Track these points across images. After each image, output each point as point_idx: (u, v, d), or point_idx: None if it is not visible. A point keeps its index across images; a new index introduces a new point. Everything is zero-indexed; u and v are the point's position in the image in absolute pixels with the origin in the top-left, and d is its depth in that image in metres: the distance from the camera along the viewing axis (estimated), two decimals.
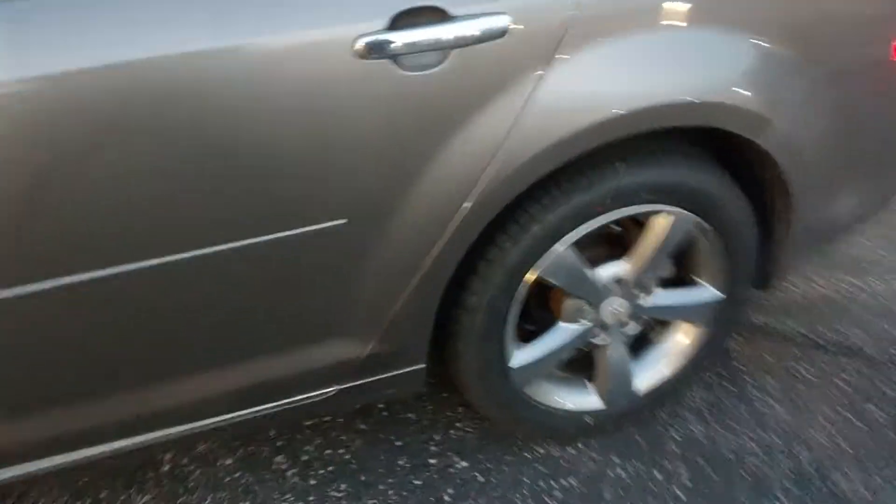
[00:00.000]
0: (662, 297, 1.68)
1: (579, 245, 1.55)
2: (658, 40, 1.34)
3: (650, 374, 1.78)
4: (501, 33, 1.22)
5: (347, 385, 1.50)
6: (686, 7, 1.33)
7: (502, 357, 1.59)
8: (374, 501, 1.68)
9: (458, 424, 1.86)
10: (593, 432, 1.81)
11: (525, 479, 1.73)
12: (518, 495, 1.69)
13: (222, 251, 1.24)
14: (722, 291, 1.69)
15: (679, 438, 1.82)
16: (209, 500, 1.69)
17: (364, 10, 1.16)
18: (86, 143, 1.08)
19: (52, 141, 1.06)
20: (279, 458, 1.78)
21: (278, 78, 1.14)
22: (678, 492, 1.69)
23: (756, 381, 1.97)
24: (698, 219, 1.56)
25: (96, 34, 1.05)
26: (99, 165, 1.09)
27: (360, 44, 1.15)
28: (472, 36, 1.20)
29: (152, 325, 1.28)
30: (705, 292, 1.70)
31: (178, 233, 1.19)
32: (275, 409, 1.48)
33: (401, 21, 1.17)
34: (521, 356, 1.61)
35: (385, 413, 1.89)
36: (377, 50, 1.16)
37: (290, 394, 1.46)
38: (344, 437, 1.83)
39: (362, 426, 1.86)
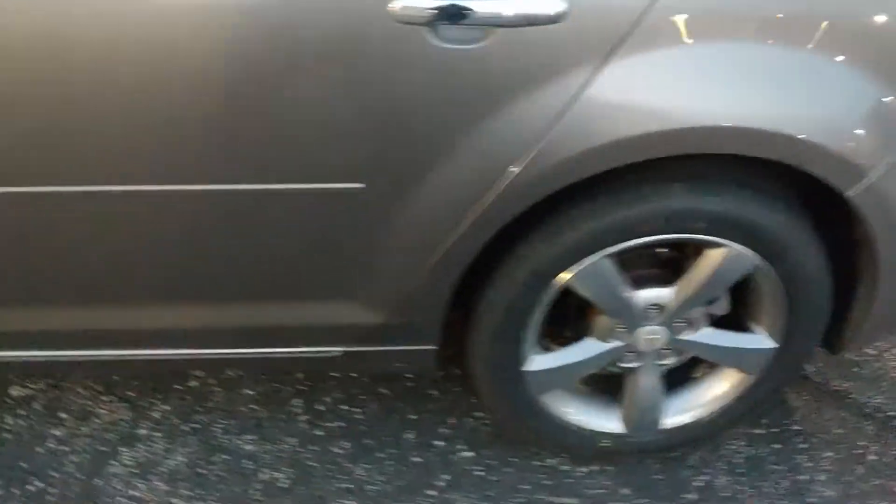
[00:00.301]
0: (709, 336, 1.55)
1: (627, 262, 1.45)
2: (742, 55, 1.21)
3: (684, 412, 1.65)
4: (556, 19, 1.14)
5: (354, 349, 1.50)
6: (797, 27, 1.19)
7: (517, 359, 1.52)
8: (369, 467, 1.68)
9: (477, 414, 1.81)
10: (611, 457, 1.72)
11: (524, 486, 1.67)
12: (511, 500, 1.64)
13: (248, 190, 1.25)
14: (777, 342, 1.53)
15: (701, 486, 1.69)
16: (220, 423, 1.75)
17: None
18: None
19: None
20: (296, 402, 1.81)
21: (314, 27, 1.12)
22: None
23: (811, 450, 1.79)
24: (761, 260, 1.41)
25: None
26: None
27: (398, 5, 1.11)
28: (519, 16, 1.13)
29: (181, 244, 1.33)
30: (758, 340, 1.55)
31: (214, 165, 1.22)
32: (281, 356, 1.50)
33: None
34: (539, 362, 1.54)
35: (410, 384, 1.87)
36: (415, 14, 1.12)
37: (295, 344, 1.48)
38: (363, 398, 1.83)
39: (384, 391, 1.85)
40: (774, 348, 1.55)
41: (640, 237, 1.36)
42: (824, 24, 1.20)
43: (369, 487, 1.64)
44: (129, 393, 1.80)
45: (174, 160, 1.22)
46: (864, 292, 1.50)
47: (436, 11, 1.11)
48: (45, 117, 1.18)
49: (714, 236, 1.37)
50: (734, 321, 1.59)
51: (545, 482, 1.68)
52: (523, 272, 1.40)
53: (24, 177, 1.23)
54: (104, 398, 1.79)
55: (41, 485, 1.60)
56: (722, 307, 1.58)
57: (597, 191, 1.33)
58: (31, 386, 1.80)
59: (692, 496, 1.67)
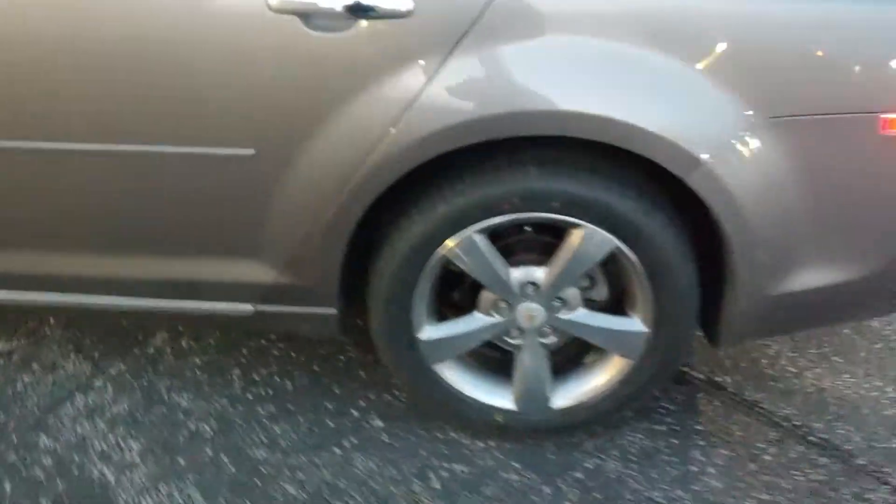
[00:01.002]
0: (584, 317, 1.69)
1: (514, 245, 1.63)
2: (565, 48, 1.40)
3: (570, 393, 1.79)
4: (404, 14, 1.37)
5: (262, 307, 1.71)
6: (612, 20, 1.39)
7: (409, 326, 1.70)
8: (286, 427, 1.87)
9: (396, 392, 1.98)
10: (507, 434, 1.85)
11: (422, 453, 1.82)
12: (407, 465, 1.79)
13: (149, 151, 1.52)
14: (648, 327, 1.66)
15: (591, 468, 1.80)
16: (166, 382, 1.98)
17: None
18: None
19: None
20: (236, 372, 2.03)
21: (207, 14, 1.39)
22: None
23: (706, 448, 1.87)
24: (620, 243, 1.56)
25: None
26: None
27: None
28: (375, 9, 1.36)
29: (101, 198, 1.61)
30: (630, 323, 1.68)
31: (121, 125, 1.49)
32: (197, 310, 1.73)
33: None
34: (430, 331, 1.72)
35: (341, 364, 2.07)
36: (287, 5, 1.37)
37: (210, 299, 1.70)
38: (296, 373, 2.04)
39: (316, 368, 2.05)
40: (646, 332, 1.67)
41: (502, 214, 1.54)
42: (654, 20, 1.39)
43: (282, 442, 1.83)
44: (95, 353, 2.06)
45: (98, 122, 1.49)
46: (729, 282, 1.62)
47: (307, 4, 1.36)
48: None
49: (568, 216, 1.54)
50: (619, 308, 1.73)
51: (443, 451, 1.83)
52: (405, 244, 1.60)
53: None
54: (72, 355, 2.06)
55: (3, 417, 1.86)
56: (601, 293, 1.73)
57: (463, 170, 1.53)
58: (15, 341, 2.09)
59: (578, 475, 1.78)
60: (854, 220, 1.57)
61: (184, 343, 2.11)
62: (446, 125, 1.43)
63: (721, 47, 1.41)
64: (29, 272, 1.70)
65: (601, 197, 1.52)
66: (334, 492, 1.70)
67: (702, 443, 1.89)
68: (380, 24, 1.39)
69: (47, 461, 1.75)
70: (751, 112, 1.43)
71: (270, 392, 1.97)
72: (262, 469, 1.75)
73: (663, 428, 1.93)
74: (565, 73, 1.42)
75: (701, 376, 2.09)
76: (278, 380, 2.01)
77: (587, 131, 1.43)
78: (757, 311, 1.65)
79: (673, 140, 1.43)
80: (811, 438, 1.90)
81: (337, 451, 1.82)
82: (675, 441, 1.89)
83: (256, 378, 2.01)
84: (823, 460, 1.85)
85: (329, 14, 1.38)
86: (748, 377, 2.09)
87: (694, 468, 1.82)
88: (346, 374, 2.04)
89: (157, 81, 1.44)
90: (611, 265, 1.66)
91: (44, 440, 1.81)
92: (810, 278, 1.62)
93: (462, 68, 1.40)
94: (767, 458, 1.86)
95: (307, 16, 1.38)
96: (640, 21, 1.40)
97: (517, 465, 1.80)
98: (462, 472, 1.78)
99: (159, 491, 1.69)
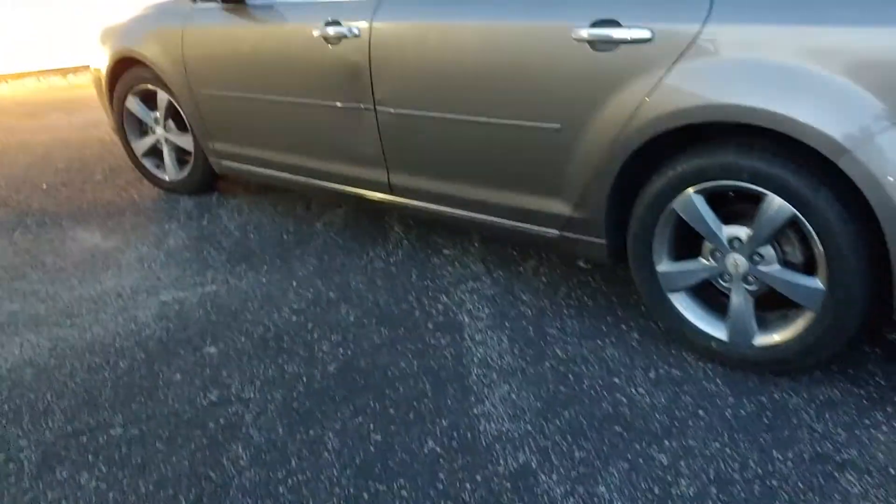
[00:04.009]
0: (776, 270, 2.22)
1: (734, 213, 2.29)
2: (751, 62, 2.05)
3: (770, 334, 2.30)
4: (647, 40, 2.19)
5: (563, 233, 2.63)
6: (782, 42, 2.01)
7: (650, 260, 2.44)
8: (577, 325, 2.74)
9: (583, 294, 2.69)
10: (716, 358, 2.43)
11: (654, 356, 2.51)
12: (639, 360, 2.50)
13: (503, 122, 2.59)
14: (824, 286, 2.12)
15: (776, 398, 2.27)
16: (520, 288, 3.02)
17: (579, 14, 2.31)
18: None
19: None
20: (563, 290, 2.97)
21: (533, 42, 2.41)
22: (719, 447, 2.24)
23: (893, 414, 2.18)
24: (795, 211, 2.09)
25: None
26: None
27: (575, 32, 2.32)
28: (630, 39, 2.21)
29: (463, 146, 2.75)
30: (811, 281, 2.15)
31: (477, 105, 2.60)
32: (518, 228, 2.74)
33: (596, 24, 2.28)
34: (665, 266, 2.43)
35: (633, 300, 2.85)
36: (581, 37, 2.30)
37: (533, 223, 2.69)
38: (598, 297, 2.88)
39: (613, 299, 2.87)
40: (823, 290, 2.14)
41: (711, 180, 2.21)
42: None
43: (572, 334, 2.71)
44: (489, 260, 3.21)
45: (478, 105, 2.62)
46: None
47: (594, 36, 2.29)
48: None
49: (756, 185, 2.13)
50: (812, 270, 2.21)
51: (669, 358, 2.49)
52: (649, 196, 2.37)
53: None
54: (473, 259, 3.24)
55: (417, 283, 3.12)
56: (796, 256, 2.23)
57: (686, 147, 2.26)
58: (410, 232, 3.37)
59: (762, 398, 2.27)
60: None
61: (542, 270, 3.13)
62: (667, 111, 2.19)
63: (865, 63, 1.90)
64: (456, 195, 2.91)
65: (779, 173, 2.09)
66: (584, 362, 2.52)
67: (889, 409, 2.19)
68: (633, 47, 2.23)
69: (438, 316, 2.93)
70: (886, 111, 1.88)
71: (576, 304, 2.86)
72: (555, 347, 2.66)
73: (861, 391, 2.27)
74: (754, 80, 2.06)
75: None
76: (585, 299, 2.89)
77: (768, 122, 2.03)
78: None
79: (826, 132, 1.95)
80: None
81: (598, 342, 2.63)
82: (866, 402, 2.23)
83: (572, 297, 2.92)
84: None
85: (605, 41, 2.27)
86: None
87: (869, 422, 2.16)
88: (633, 306, 2.81)
89: (508, 84, 2.51)
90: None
91: (439, 303, 2.99)
92: None
93: (682, 74, 2.15)
94: None
95: (593, 43, 2.29)
96: (802, 43, 1.98)
97: (718, 381, 2.38)
98: (675, 373, 2.43)
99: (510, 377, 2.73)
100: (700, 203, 2.28)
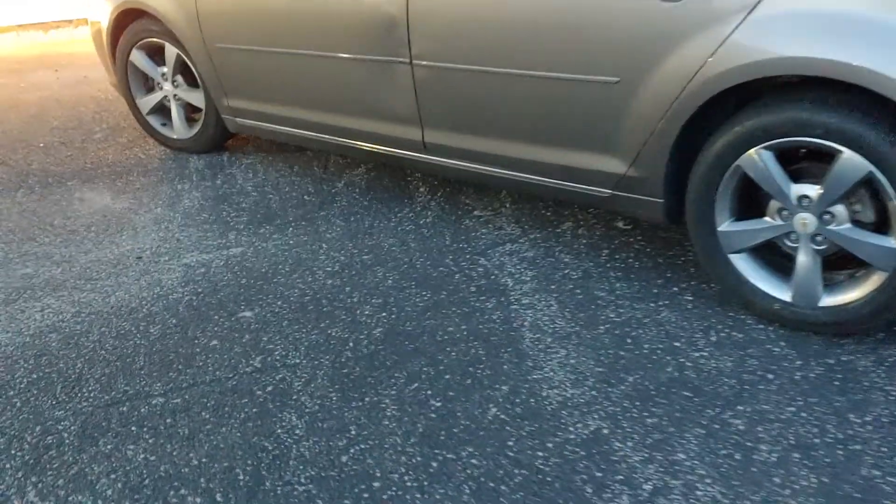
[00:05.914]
0: (846, 230, 2.15)
1: (798, 166, 2.20)
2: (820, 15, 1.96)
3: (837, 295, 2.24)
4: None
5: (615, 192, 2.54)
6: None
7: (712, 219, 2.36)
8: (626, 287, 2.66)
9: (710, 284, 2.63)
10: (779, 321, 2.37)
11: (712, 320, 2.45)
12: (698, 322, 2.44)
13: (558, 76, 2.47)
14: None
15: (844, 360, 2.22)
16: (561, 250, 2.93)
17: None
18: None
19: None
20: (605, 251, 2.89)
21: None
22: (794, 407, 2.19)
23: None
24: (872, 167, 2.02)
25: None
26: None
27: None
28: None
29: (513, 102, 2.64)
30: (883, 240, 2.09)
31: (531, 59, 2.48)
32: (575, 189, 2.63)
33: None
34: (727, 225, 2.35)
35: (680, 261, 2.77)
36: None
37: (583, 182, 2.59)
38: (645, 259, 2.81)
39: (660, 261, 2.80)
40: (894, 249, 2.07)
41: (783, 137, 2.13)
42: None
43: (624, 298, 2.63)
44: (524, 222, 3.12)
45: (531, 59, 2.49)
46: None
47: None
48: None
49: (829, 141, 2.05)
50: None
51: (728, 322, 2.43)
52: (712, 154, 2.28)
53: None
54: (509, 221, 3.14)
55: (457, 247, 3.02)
56: (868, 216, 2.16)
57: (754, 104, 2.16)
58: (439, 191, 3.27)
59: (830, 361, 2.22)
60: None
61: (580, 231, 3.04)
62: (738, 65, 2.09)
63: None
64: (497, 153, 2.80)
65: (855, 128, 2.01)
66: (640, 325, 2.45)
67: None
68: None
69: (479, 283, 2.84)
70: None
71: (622, 266, 2.78)
72: (608, 311, 2.58)
73: None
74: (832, 32, 1.96)
75: None
76: (630, 261, 2.81)
77: (848, 76, 1.95)
78: None
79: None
80: None
81: (652, 305, 2.55)
82: None
83: (616, 259, 2.84)
84: None
85: None
86: None
87: None
88: (681, 267, 2.74)
89: (563, 34, 2.39)
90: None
91: (479, 266, 2.90)
92: None
93: (755, 26, 2.05)
94: None
95: None
96: None
97: (783, 343, 2.32)
98: (737, 336, 2.37)
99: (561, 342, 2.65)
100: (770, 160, 2.19)
